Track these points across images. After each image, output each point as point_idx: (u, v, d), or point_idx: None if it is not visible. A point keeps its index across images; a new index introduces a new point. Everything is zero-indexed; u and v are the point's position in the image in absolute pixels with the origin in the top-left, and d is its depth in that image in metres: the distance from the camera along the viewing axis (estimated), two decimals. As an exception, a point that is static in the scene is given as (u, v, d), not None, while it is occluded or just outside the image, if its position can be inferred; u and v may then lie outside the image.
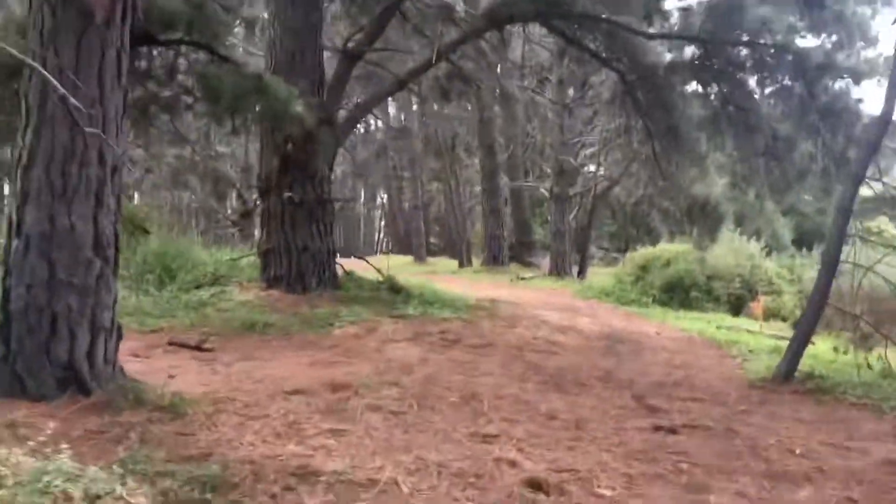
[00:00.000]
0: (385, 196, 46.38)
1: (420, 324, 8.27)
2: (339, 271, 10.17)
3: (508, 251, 28.10)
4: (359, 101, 10.04)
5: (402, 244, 41.25)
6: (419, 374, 6.01)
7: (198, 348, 6.63)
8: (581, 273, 21.58)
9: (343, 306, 8.58)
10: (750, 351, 9.35)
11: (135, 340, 6.78)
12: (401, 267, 30.43)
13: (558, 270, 21.24)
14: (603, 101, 15.69)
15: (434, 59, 10.00)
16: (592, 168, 23.71)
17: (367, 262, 10.41)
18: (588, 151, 24.04)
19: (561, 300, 15.23)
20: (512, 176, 27.96)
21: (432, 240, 42.45)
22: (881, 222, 32.24)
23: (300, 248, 9.08)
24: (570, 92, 22.09)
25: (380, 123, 32.78)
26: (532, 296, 16.10)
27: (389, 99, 25.65)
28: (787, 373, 7.09)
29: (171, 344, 6.76)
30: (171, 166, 24.41)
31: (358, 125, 19.61)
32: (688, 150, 12.99)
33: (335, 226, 9.98)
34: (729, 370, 8.08)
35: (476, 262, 26.80)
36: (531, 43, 22.83)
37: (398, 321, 8.22)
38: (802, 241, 27.34)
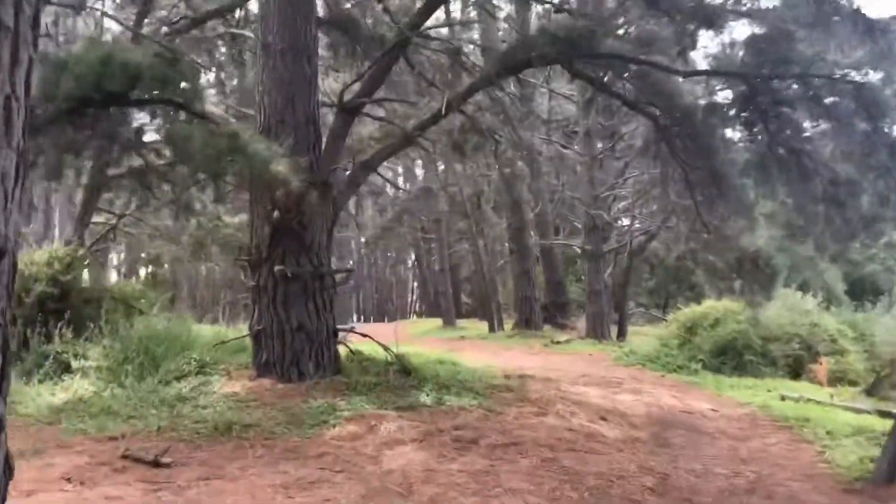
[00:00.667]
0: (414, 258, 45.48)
1: (432, 417, 6.96)
2: (344, 350, 8.96)
3: (542, 312, 26.76)
4: (363, 160, 8.90)
5: (433, 307, 40.03)
6: (422, 496, 4.70)
7: (154, 463, 5.42)
8: (621, 334, 20.06)
9: (343, 397, 7.32)
10: (828, 433, 7.84)
11: (83, 454, 5.62)
12: (429, 332, 29.16)
13: (596, 332, 19.77)
14: (636, 150, 14.48)
15: (444, 110, 8.91)
16: (627, 222, 22.42)
17: (373, 340, 9.10)
18: (621, 205, 22.79)
19: (600, 369, 13.80)
20: (542, 233, 26.74)
21: (466, 299, 41.17)
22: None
23: (294, 329, 7.89)
24: (599, 144, 20.97)
25: (405, 184, 32.04)
26: (567, 364, 14.70)
27: (416, 159, 24.88)
28: (892, 473, 5.63)
29: (124, 457, 5.55)
30: (193, 237, 23.70)
31: (386, 188, 18.67)
32: (733, 198, 11.70)
33: (345, 298, 8.77)
34: (809, 463, 6.61)
35: (508, 324, 25.45)
36: (557, 96, 21.83)
37: (405, 415, 6.93)
38: (853, 292, 25.48)
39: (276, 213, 7.71)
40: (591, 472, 5.62)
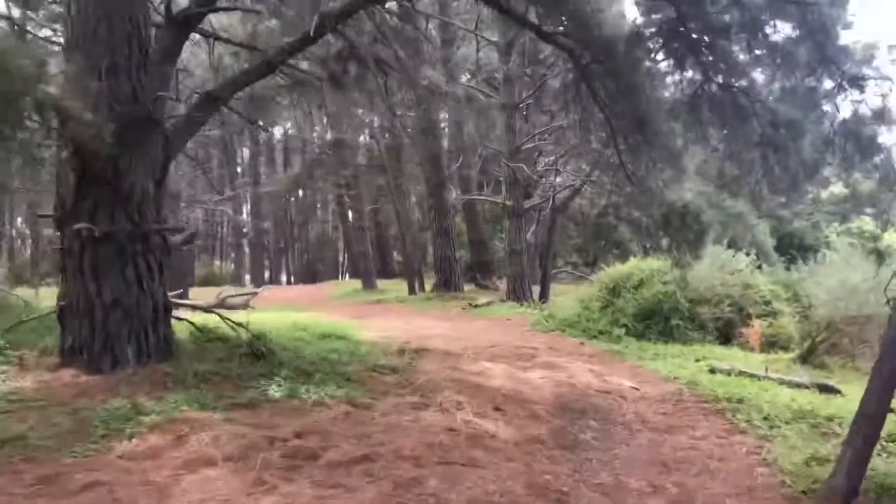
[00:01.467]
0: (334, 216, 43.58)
1: (271, 418, 5.35)
2: (190, 329, 7.26)
3: (469, 272, 25.39)
4: (207, 91, 7.09)
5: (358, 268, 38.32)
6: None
7: None
8: (543, 296, 18.76)
9: (162, 393, 5.64)
10: (765, 419, 6.58)
11: None
12: (347, 295, 27.47)
13: (517, 294, 18.45)
14: (552, 93, 12.95)
15: (313, 30, 7.14)
16: (554, 179, 21.02)
17: (220, 316, 7.43)
18: (549, 160, 21.39)
19: (514, 337, 12.44)
20: (465, 189, 25.22)
21: (398, 258, 39.41)
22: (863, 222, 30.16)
23: (108, 305, 6.13)
24: (522, 93, 19.36)
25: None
26: (480, 331, 13.30)
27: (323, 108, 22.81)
28: (849, 491, 4.31)
29: None
30: None
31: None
32: (659, 145, 10.33)
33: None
34: (747, 467, 5.26)
35: (429, 286, 23.99)
36: (486, 47, 19.95)
37: (236, 416, 5.31)
38: (781, 248, 24.74)
39: (71, 155, 5.88)
40: (463, 500, 4.13)
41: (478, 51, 19.54)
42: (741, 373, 8.87)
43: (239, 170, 47.31)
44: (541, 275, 19.15)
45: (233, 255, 51.31)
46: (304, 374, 6.56)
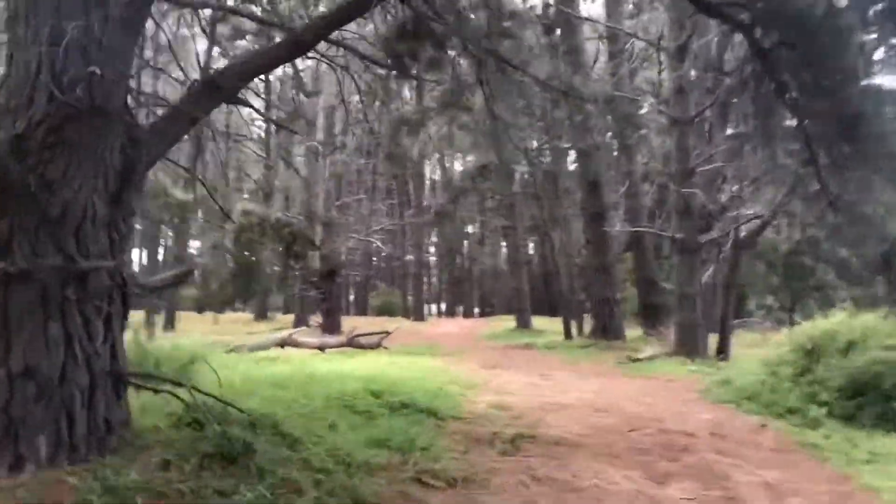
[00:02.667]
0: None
1: None
2: (178, 404, 5.28)
3: (638, 315, 22.37)
4: (206, 76, 5.15)
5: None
6: None
7: None
8: (721, 352, 15.33)
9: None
10: None
11: None
12: (496, 336, 25.23)
13: (686, 347, 15.27)
14: (724, 89, 10.03)
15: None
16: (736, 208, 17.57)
17: (193, 389, 5.31)
18: (733, 187, 17.99)
19: (672, 409, 9.62)
20: (632, 219, 22.20)
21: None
22: None
23: (15, 375, 4.30)
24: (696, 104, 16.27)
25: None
26: (630, 398, 10.54)
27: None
28: None
29: None
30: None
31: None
32: (878, 156, 7.23)
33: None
34: None
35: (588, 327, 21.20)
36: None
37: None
38: None
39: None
40: None
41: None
42: None
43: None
44: (720, 324, 15.77)
45: (408, 285, 50.89)
46: (292, 491, 4.34)
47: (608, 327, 18.48)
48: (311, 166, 25.29)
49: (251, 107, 6.48)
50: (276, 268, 26.98)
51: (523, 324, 24.47)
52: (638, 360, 15.19)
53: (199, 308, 51.98)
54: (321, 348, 17.09)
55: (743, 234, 15.51)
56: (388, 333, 18.59)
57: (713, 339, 16.11)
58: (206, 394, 5.02)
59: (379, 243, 29.70)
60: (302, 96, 24.85)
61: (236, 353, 12.76)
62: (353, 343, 17.64)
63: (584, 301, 22.71)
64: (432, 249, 77.48)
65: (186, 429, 4.88)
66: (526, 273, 26.87)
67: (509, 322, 28.39)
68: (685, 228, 15.56)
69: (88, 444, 4.43)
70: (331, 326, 25.89)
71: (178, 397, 5.02)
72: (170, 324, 29.87)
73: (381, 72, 6.44)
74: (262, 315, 46.04)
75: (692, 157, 15.79)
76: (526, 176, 22.26)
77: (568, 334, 20.55)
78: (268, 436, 4.95)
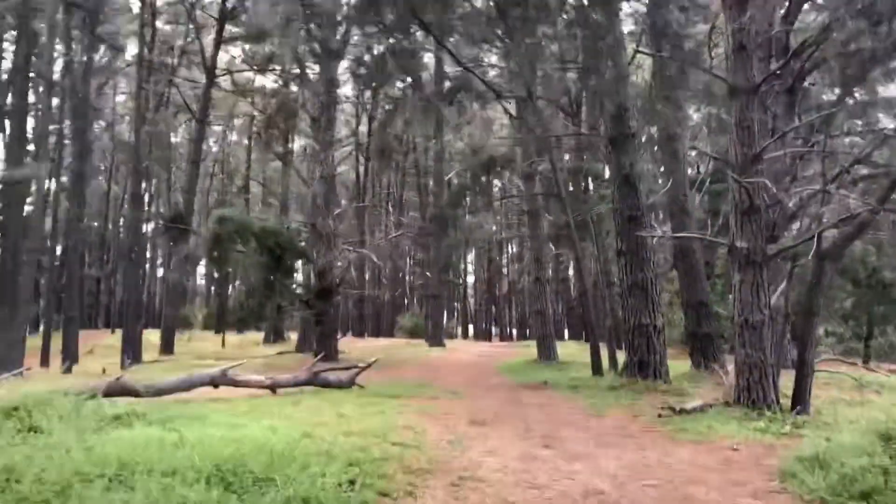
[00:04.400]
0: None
1: None
2: None
3: (686, 345, 18.23)
4: None
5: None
6: None
7: None
8: (798, 402, 11.01)
9: None
10: None
11: None
12: (512, 369, 21.24)
13: (752, 394, 11.08)
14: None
15: None
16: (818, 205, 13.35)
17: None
18: (809, 175, 13.83)
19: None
20: (677, 224, 18.00)
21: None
22: None
23: None
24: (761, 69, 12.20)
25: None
26: (669, 488, 6.59)
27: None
28: None
29: None
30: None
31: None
32: None
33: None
34: None
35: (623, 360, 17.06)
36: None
37: None
38: None
39: None
40: None
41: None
42: None
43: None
44: (796, 363, 11.49)
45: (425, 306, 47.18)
46: None
47: (647, 363, 14.36)
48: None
49: None
50: (252, 282, 23.49)
51: (546, 354, 20.43)
52: (684, 410, 11.10)
53: (217, 328, 49.09)
54: (272, 388, 13.39)
55: (829, 240, 11.30)
56: (367, 366, 14.85)
57: (783, 380, 11.88)
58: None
59: (374, 256, 25.95)
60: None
61: (98, 400, 9.15)
62: (316, 380, 13.91)
63: (616, 327, 18.68)
64: (470, 267, 73.57)
65: None
66: (550, 292, 22.77)
67: (531, 351, 24.36)
68: (747, 234, 11.44)
69: None
70: (326, 352, 22.29)
71: None
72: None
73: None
74: (279, 335, 42.76)
75: (757, 138, 11.70)
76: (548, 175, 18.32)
77: (597, 369, 16.46)
78: None
